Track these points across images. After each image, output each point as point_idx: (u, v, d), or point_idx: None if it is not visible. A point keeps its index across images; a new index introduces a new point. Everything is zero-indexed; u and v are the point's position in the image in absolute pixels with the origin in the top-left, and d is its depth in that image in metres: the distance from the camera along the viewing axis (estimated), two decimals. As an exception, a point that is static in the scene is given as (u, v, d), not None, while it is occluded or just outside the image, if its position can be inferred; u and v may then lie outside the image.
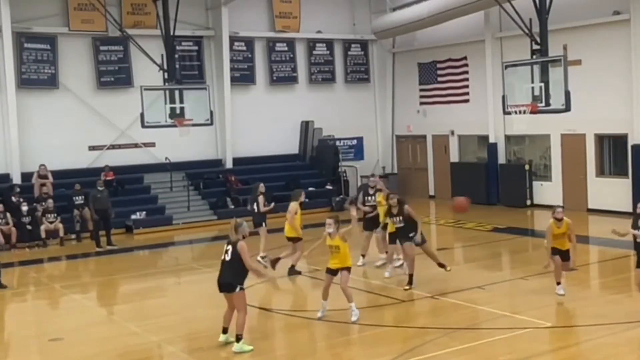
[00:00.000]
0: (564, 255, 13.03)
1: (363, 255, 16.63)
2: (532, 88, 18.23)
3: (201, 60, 26.50)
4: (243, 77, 27.24)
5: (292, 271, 16.06)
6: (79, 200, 21.82)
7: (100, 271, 18.49)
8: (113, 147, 25.11)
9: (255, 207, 17.80)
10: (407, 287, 14.15)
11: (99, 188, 20.77)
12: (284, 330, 12.57)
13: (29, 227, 21.24)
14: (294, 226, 15.84)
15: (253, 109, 27.27)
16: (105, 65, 24.92)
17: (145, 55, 21.98)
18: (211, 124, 22.56)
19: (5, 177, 23.13)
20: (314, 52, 28.76)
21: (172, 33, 21.89)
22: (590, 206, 22.94)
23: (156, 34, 22.99)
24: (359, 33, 29.50)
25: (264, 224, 17.72)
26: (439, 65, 28.01)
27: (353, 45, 29.65)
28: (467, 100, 27.08)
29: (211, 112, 21.90)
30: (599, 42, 22.37)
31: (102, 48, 24.86)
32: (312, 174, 27.49)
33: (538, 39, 18.55)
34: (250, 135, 27.02)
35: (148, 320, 12.99)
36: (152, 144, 25.56)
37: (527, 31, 18.72)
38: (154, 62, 21.55)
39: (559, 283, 13.07)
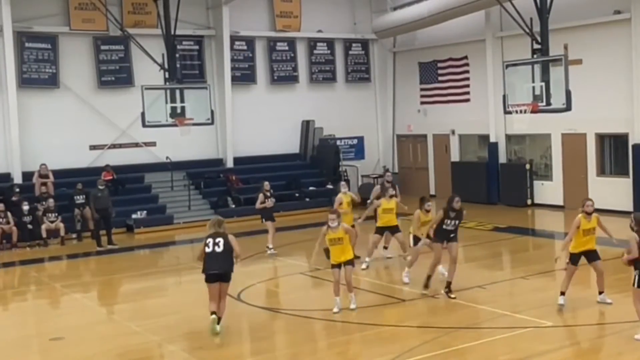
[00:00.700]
0: (591, 256, 12.43)
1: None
2: (533, 87, 18.23)
3: (202, 59, 26.50)
4: (244, 76, 27.24)
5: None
6: (80, 199, 21.82)
7: (101, 270, 18.49)
8: (114, 146, 25.12)
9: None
10: (424, 292, 13.82)
11: (100, 187, 20.78)
12: (285, 330, 12.57)
13: (29, 226, 21.25)
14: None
15: (254, 108, 27.28)
16: (106, 64, 24.93)
17: (146, 54, 21.98)
18: (212, 123, 22.56)
19: (6, 177, 23.15)
20: (315, 52, 28.76)
21: (172, 32, 21.88)
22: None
23: (157, 34, 23.00)
24: (360, 32, 29.50)
25: (266, 220, 18.53)
26: (439, 65, 28.01)
27: (354, 45, 29.66)
28: (467, 100, 27.08)
29: (212, 112, 21.89)
30: (599, 42, 22.37)
31: (102, 47, 24.87)
32: (313, 173, 27.49)
33: (539, 39, 18.55)
34: (251, 134, 27.02)
35: (149, 320, 13.01)
36: (153, 144, 25.57)
37: (527, 30, 18.72)
38: (155, 61, 21.55)
39: (563, 293, 12.46)
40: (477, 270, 16.18)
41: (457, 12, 24.68)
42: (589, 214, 12.29)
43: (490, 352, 10.61)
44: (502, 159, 25.88)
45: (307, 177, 27.00)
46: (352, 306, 12.82)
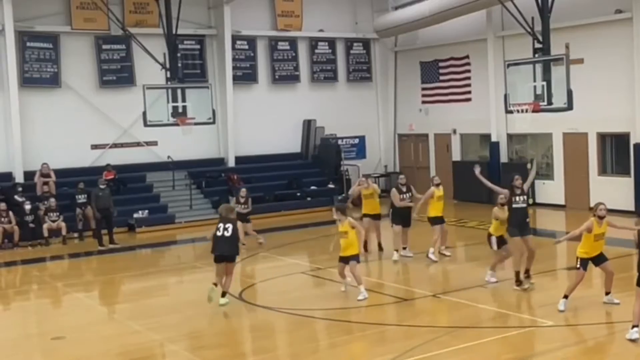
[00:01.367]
0: (599, 260, 12.25)
1: (397, 250, 16.85)
2: (534, 87, 18.25)
3: (203, 59, 26.50)
4: (245, 76, 27.25)
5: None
6: (81, 198, 21.83)
7: (102, 270, 18.51)
8: (115, 145, 25.13)
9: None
10: (525, 287, 13.63)
11: (101, 187, 20.80)
12: (286, 329, 12.58)
13: (31, 225, 21.27)
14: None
15: (255, 107, 27.28)
16: (108, 64, 24.94)
17: (147, 54, 21.99)
18: (213, 122, 22.58)
19: (8, 176, 23.16)
20: (316, 51, 28.76)
21: (174, 32, 21.90)
22: (592, 205, 22.75)
23: (158, 33, 23.02)
24: (361, 32, 29.49)
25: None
26: (441, 64, 28.00)
27: (355, 44, 29.65)
28: (469, 99, 27.08)
29: (213, 111, 21.91)
30: (601, 41, 22.35)
31: (104, 47, 24.88)
32: (314, 172, 27.49)
33: (540, 38, 18.58)
34: (252, 134, 27.03)
35: (150, 319, 13.01)
36: (155, 143, 25.57)
37: (529, 30, 18.73)
38: (156, 60, 21.57)
39: (566, 297, 12.25)
40: (478, 270, 16.15)
41: (458, 11, 24.67)
42: (601, 218, 12.04)
43: (491, 351, 10.61)
44: (504, 158, 25.87)
45: (308, 176, 27.01)
46: (360, 297, 13.25)
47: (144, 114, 20.94)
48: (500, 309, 12.57)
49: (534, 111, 18.32)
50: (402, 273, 15.65)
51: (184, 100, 21.09)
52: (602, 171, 23.09)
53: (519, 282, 13.68)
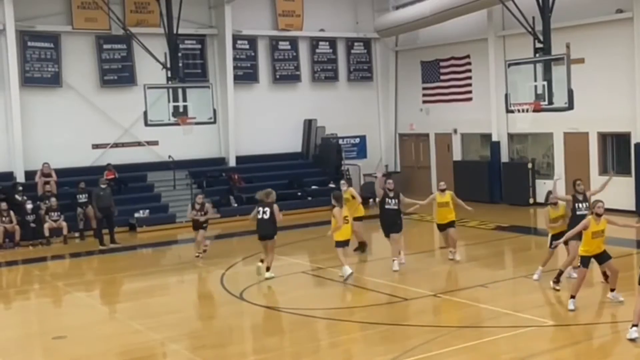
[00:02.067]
0: (602, 258, 12.24)
1: (394, 260, 15.95)
2: (535, 86, 18.25)
3: (204, 58, 26.51)
4: (246, 75, 27.26)
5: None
6: (82, 198, 21.85)
7: (103, 269, 18.53)
8: (116, 145, 25.14)
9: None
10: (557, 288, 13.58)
11: (102, 186, 20.81)
12: (287, 329, 12.59)
13: (32, 225, 21.28)
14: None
15: (256, 107, 27.29)
16: (109, 63, 24.95)
17: (148, 53, 22.00)
18: (214, 122, 22.57)
19: (9, 176, 23.17)
20: (317, 51, 28.77)
21: (175, 31, 21.89)
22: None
23: (159, 33, 23.02)
24: (362, 31, 29.49)
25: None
26: (441, 64, 28.00)
27: (356, 44, 29.65)
28: (470, 99, 27.08)
29: (214, 111, 21.90)
30: (602, 41, 22.35)
31: (105, 46, 24.89)
32: (315, 172, 27.50)
33: (541, 38, 18.57)
34: (253, 133, 27.04)
35: (151, 319, 13.02)
36: (156, 142, 25.58)
37: (530, 30, 18.73)
38: (157, 60, 21.57)
39: (573, 297, 12.19)
40: (479, 269, 16.20)
41: (459, 11, 24.68)
42: (599, 215, 12.01)
43: (492, 351, 10.61)
44: (505, 158, 25.87)
45: (309, 176, 27.01)
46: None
47: (145, 113, 20.93)
48: (500, 308, 12.57)
49: (534, 111, 18.31)
50: (402, 273, 15.65)
51: (184, 99, 21.08)
52: (603, 171, 23.04)
53: (557, 280, 13.60)
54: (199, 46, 26.39)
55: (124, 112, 24.73)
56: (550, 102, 17.94)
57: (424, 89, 28.86)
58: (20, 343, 12.23)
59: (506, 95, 19.25)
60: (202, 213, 18.37)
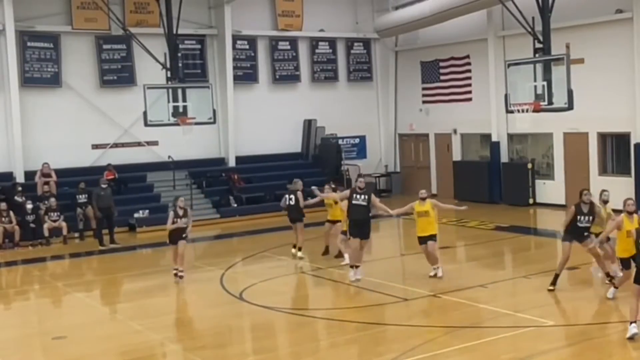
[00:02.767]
0: (628, 264, 11.65)
1: (352, 267, 14.98)
2: (535, 86, 18.24)
3: (204, 58, 26.50)
4: (246, 75, 27.25)
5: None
6: (82, 198, 21.84)
7: (103, 269, 18.53)
8: (116, 145, 25.14)
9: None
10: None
11: (102, 186, 20.82)
12: (286, 329, 12.59)
13: (32, 225, 21.28)
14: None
15: (256, 107, 27.28)
16: (108, 63, 24.95)
17: (148, 53, 22.00)
18: (214, 122, 22.57)
19: (9, 176, 23.17)
20: (317, 51, 28.77)
21: (175, 32, 21.89)
22: (592, 205, 22.90)
23: (159, 33, 23.02)
24: (362, 31, 29.49)
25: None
26: (441, 64, 28.00)
27: (356, 44, 29.65)
28: (469, 99, 27.07)
29: (214, 111, 21.90)
30: (601, 41, 22.35)
31: (105, 47, 24.88)
32: (315, 172, 27.42)
33: (541, 38, 18.56)
34: (253, 133, 27.03)
35: (151, 319, 13.02)
36: (155, 143, 25.58)
37: (529, 30, 18.73)
38: (157, 60, 21.57)
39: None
40: (479, 270, 16.20)
41: (459, 11, 24.68)
42: (630, 213, 11.60)
43: (491, 351, 10.61)
44: (504, 158, 25.87)
45: (308, 176, 26.85)
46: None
47: (145, 113, 20.93)
48: (500, 309, 12.57)
49: (534, 111, 18.30)
50: (401, 273, 15.65)
51: (184, 100, 21.08)
52: (603, 171, 23.09)
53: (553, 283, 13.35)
54: (198, 46, 26.39)
55: (123, 113, 24.73)
56: (550, 102, 17.94)
57: (423, 89, 28.86)
58: (19, 343, 12.23)
59: (506, 96, 19.25)
60: (185, 220, 15.60)
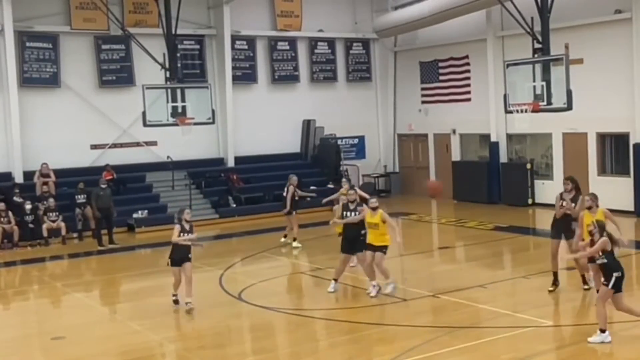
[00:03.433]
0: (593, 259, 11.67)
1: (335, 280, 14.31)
2: (534, 87, 18.23)
3: (203, 59, 26.49)
4: (245, 76, 27.25)
5: None
6: (81, 198, 21.83)
7: (102, 270, 18.51)
8: (115, 145, 25.12)
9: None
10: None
11: (102, 186, 20.80)
12: (285, 329, 12.59)
13: (31, 225, 21.26)
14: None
15: (255, 107, 27.28)
16: (107, 64, 24.93)
17: (147, 54, 21.97)
18: (213, 122, 22.54)
19: (7, 176, 23.16)
20: (316, 51, 28.76)
21: (173, 32, 21.88)
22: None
23: (158, 33, 22.98)
24: (361, 32, 29.49)
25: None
26: (440, 64, 28.00)
27: (355, 44, 29.65)
28: (468, 99, 27.07)
29: (213, 111, 21.88)
30: (600, 41, 22.36)
31: (104, 47, 24.87)
32: (314, 172, 27.48)
33: (540, 38, 18.56)
34: (252, 134, 27.03)
35: (150, 319, 13.01)
36: (154, 143, 25.57)
37: (528, 30, 18.73)
38: (156, 60, 21.55)
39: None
40: (478, 270, 16.19)
41: (458, 11, 24.67)
42: (589, 208, 12.01)
43: (491, 351, 10.61)
44: (503, 158, 25.87)
45: (308, 176, 26.94)
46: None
47: (144, 114, 20.90)
48: (500, 309, 12.57)
49: (533, 111, 18.30)
50: (401, 273, 15.63)
51: (183, 100, 21.05)
52: (602, 171, 23.09)
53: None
54: (197, 46, 26.38)
55: (122, 113, 24.72)
56: (549, 103, 17.93)
57: (422, 89, 28.86)
58: (18, 344, 12.22)
59: (505, 96, 19.25)
60: (190, 233, 13.65)
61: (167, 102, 21.00)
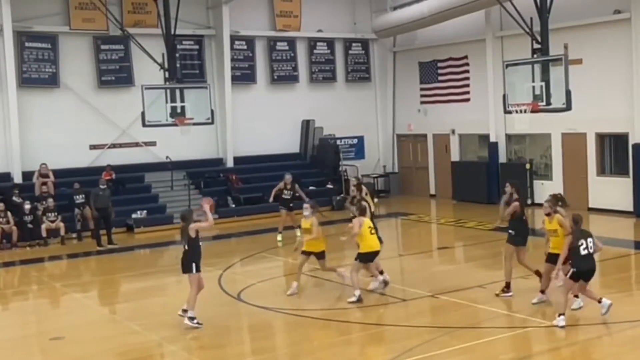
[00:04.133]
0: (554, 259, 12.39)
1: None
2: (533, 87, 18.21)
3: (202, 59, 26.50)
4: (244, 76, 27.24)
5: None
6: (79, 199, 21.82)
7: (101, 270, 18.50)
8: (114, 146, 25.12)
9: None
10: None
11: (101, 187, 20.80)
12: (285, 329, 12.58)
13: (30, 225, 21.25)
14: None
15: (254, 108, 27.27)
16: (106, 64, 24.93)
17: (146, 54, 21.94)
18: (212, 123, 22.48)
19: (6, 176, 23.15)
20: (315, 51, 28.76)
21: (173, 32, 21.85)
22: (591, 205, 22.93)
23: (157, 33, 22.96)
24: (360, 32, 29.49)
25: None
26: (439, 64, 28.00)
27: (354, 44, 29.65)
28: (467, 100, 27.07)
29: (212, 111, 21.83)
30: (599, 41, 22.36)
31: (103, 47, 24.87)
32: (313, 173, 27.48)
33: (539, 38, 18.55)
34: (251, 134, 27.02)
35: (149, 319, 13.01)
36: (153, 143, 25.56)
37: (528, 30, 18.71)
38: (155, 61, 21.52)
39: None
40: (477, 270, 16.19)
41: (457, 11, 24.67)
42: (548, 215, 12.46)
43: (490, 351, 10.61)
44: (502, 158, 25.88)
45: (307, 176, 26.96)
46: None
47: (143, 114, 20.87)
48: (499, 309, 12.58)
49: (532, 111, 18.28)
50: (400, 273, 15.64)
51: (182, 100, 21.02)
52: (601, 171, 23.09)
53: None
54: (196, 47, 26.38)
55: (121, 113, 24.71)
56: (548, 103, 17.91)
57: (421, 89, 28.86)
58: (17, 344, 12.21)
59: (504, 96, 19.23)
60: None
61: (166, 102, 20.97)
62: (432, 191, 28.73)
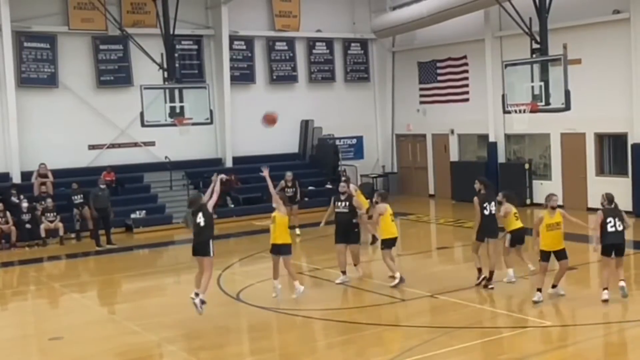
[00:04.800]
0: (559, 255, 12.99)
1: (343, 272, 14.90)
2: (532, 87, 18.21)
3: (201, 59, 26.49)
4: (243, 76, 27.23)
5: None
6: (78, 199, 21.81)
7: (100, 270, 18.49)
8: (113, 146, 25.10)
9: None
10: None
11: (101, 187, 20.78)
12: (284, 329, 12.57)
13: (28, 226, 21.22)
14: None
15: (253, 108, 27.25)
16: (105, 64, 24.91)
17: (145, 54, 21.95)
18: (211, 123, 22.50)
19: (5, 176, 23.13)
20: (314, 51, 28.75)
21: (171, 32, 21.85)
22: (590, 205, 22.91)
23: (156, 33, 22.96)
24: (359, 32, 29.49)
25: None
26: (438, 64, 28.00)
27: (353, 44, 29.64)
28: (467, 100, 27.07)
29: (211, 111, 21.85)
30: (599, 41, 22.37)
31: (101, 47, 24.85)
32: (312, 173, 27.47)
33: (538, 38, 18.54)
34: (250, 134, 27.01)
35: (148, 319, 12.99)
36: (152, 143, 25.55)
37: (527, 30, 18.71)
38: (154, 61, 21.52)
39: (539, 290, 12.82)
40: (476, 270, 16.14)
41: (456, 11, 24.67)
42: (553, 208, 12.86)
43: (489, 351, 10.61)
44: (502, 158, 25.88)
45: (306, 176, 26.93)
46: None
47: (142, 114, 20.87)
48: (498, 309, 12.58)
49: (531, 111, 18.28)
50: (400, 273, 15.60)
51: (181, 100, 21.01)
52: (600, 171, 23.10)
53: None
54: (195, 47, 26.37)
55: (120, 113, 24.69)
56: (547, 103, 17.91)
57: (421, 89, 28.85)
58: (16, 344, 12.20)
59: (503, 96, 19.23)
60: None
61: (165, 102, 20.96)
62: (431, 191, 28.73)
